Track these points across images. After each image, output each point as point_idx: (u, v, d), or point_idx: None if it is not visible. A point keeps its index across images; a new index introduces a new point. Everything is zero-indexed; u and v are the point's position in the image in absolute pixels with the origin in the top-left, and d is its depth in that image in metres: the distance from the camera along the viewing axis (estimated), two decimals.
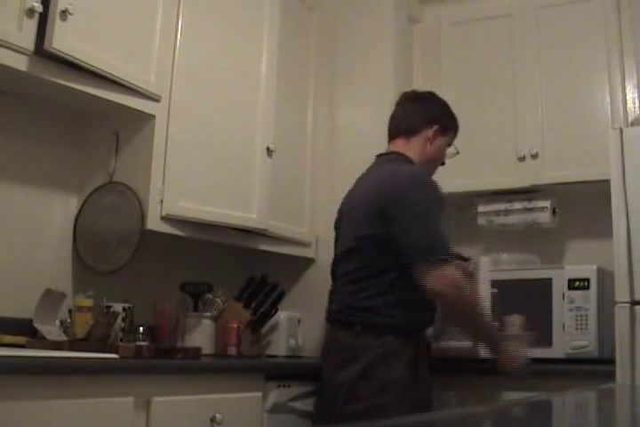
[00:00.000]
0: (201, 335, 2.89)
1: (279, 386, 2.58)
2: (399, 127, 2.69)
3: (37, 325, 2.50)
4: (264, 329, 3.10)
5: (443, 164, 2.73)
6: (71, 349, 2.35)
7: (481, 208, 3.43)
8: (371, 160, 2.71)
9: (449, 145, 2.73)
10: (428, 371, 2.52)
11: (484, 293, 2.72)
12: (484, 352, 2.71)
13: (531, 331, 2.83)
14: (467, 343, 2.75)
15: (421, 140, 2.64)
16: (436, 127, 2.64)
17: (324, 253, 3.16)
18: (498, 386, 2.73)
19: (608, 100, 3.16)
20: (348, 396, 2.39)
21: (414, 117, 2.68)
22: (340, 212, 2.69)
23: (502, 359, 2.53)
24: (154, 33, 2.71)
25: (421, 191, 2.50)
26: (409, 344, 2.44)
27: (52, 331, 2.51)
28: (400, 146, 2.66)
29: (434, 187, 2.52)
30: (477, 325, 2.51)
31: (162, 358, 2.37)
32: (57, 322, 2.57)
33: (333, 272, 2.63)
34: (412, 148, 2.64)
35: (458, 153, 2.77)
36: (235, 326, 2.92)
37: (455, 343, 2.84)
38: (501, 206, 3.38)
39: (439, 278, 2.37)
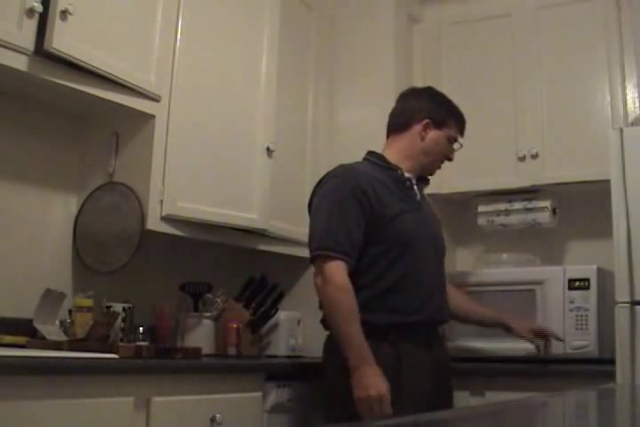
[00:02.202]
0: (201, 335, 2.89)
1: (279, 386, 2.58)
2: (389, 125, 2.70)
3: (37, 325, 2.50)
4: (264, 329, 3.10)
5: (449, 159, 2.69)
6: (71, 349, 2.35)
7: (481, 208, 3.43)
8: None
9: (455, 140, 2.68)
10: (425, 372, 2.46)
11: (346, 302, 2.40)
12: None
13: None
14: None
15: (412, 135, 2.62)
16: (425, 121, 2.62)
17: None
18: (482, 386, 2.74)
19: (608, 100, 3.16)
20: (334, 394, 2.43)
21: (403, 114, 2.67)
22: None
23: (355, 385, 2.31)
24: (154, 33, 2.71)
25: (320, 188, 2.53)
26: (384, 345, 2.40)
27: (51, 331, 2.51)
28: (387, 144, 2.68)
29: (335, 181, 2.50)
30: (336, 331, 2.41)
31: (162, 358, 2.37)
32: (57, 322, 2.57)
33: None
34: (397, 144, 2.64)
35: (461, 146, 2.71)
36: (235, 326, 2.92)
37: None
38: (501, 206, 3.38)
39: (314, 273, 2.44)
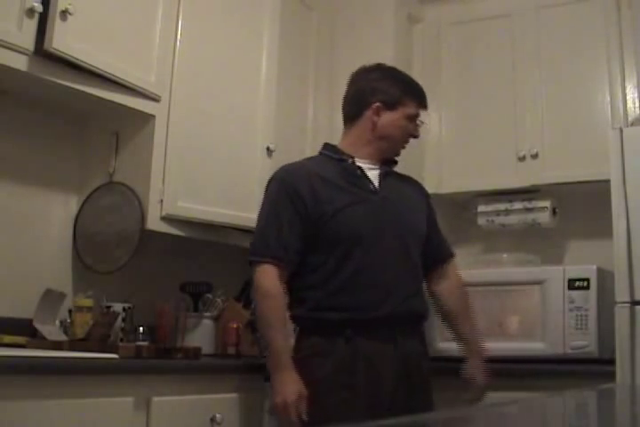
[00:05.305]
0: (201, 335, 2.89)
1: None
2: (342, 113, 2.59)
3: (37, 325, 2.50)
4: None
5: (415, 137, 2.55)
6: (71, 349, 2.35)
7: (481, 208, 3.43)
8: None
9: (415, 116, 2.50)
10: (387, 369, 2.34)
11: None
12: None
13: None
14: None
15: (364, 122, 2.49)
16: (376, 104, 2.46)
17: None
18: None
19: (608, 100, 3.16)
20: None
21: (353, 100, 2.55)
22: None
23: (271, 389, 2.31)
24: (154, 33, 2.71)
25: (264, 191, 2.49)
26: (339, 341, 2.33)
27: (52, 331, 2.52)
28: (342, 134, 2.58)
29: (273, 184, 2.45)
30: (260, 334, 2.45)
31: (162, 358, 2.36)
32: (57, 322, 2.57)
33: None
34: (352, 133, 2.53)
35: (423, 123, 2.56)
36: (235, 326, 2.92)
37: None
38: (501, 206, 3.38)
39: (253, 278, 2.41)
